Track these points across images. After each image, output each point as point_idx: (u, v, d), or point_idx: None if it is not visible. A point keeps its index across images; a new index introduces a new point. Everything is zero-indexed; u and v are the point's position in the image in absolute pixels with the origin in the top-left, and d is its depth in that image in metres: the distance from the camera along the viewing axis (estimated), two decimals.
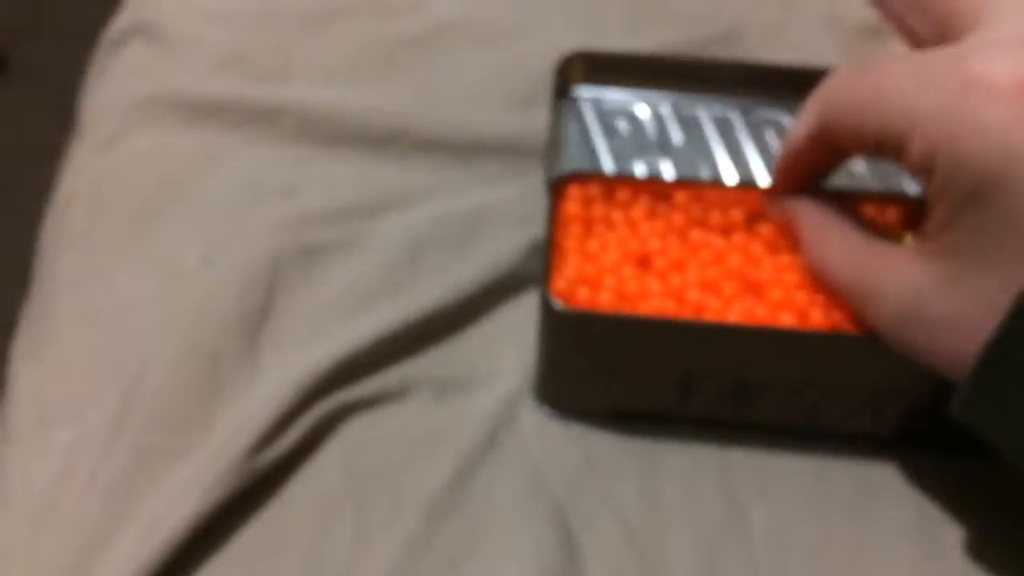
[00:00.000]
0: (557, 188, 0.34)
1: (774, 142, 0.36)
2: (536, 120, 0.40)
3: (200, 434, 0.33)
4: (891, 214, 0.33)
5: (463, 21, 0.46)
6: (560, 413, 0.34)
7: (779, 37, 0.45)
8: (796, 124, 0.30)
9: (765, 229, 0.33)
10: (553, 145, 0.36)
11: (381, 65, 0.44)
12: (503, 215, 0.39)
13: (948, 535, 0.32)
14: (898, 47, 0.32)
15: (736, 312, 0.30)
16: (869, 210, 0.33)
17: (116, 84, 0.45)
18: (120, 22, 0.48)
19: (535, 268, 0.36)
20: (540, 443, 0.33)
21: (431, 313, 0.35)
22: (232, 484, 0.31)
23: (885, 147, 0.27)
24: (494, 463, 0.33)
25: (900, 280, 0.28)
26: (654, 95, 0.38)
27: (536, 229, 0.36)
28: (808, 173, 0.32)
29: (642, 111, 0.37)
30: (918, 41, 0.30)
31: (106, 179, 0.41)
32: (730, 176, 0.34)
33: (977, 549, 0.31)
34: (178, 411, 0.33)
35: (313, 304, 0.36)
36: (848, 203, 0.32)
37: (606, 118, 0.37)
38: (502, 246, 0.37)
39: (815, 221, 0.31)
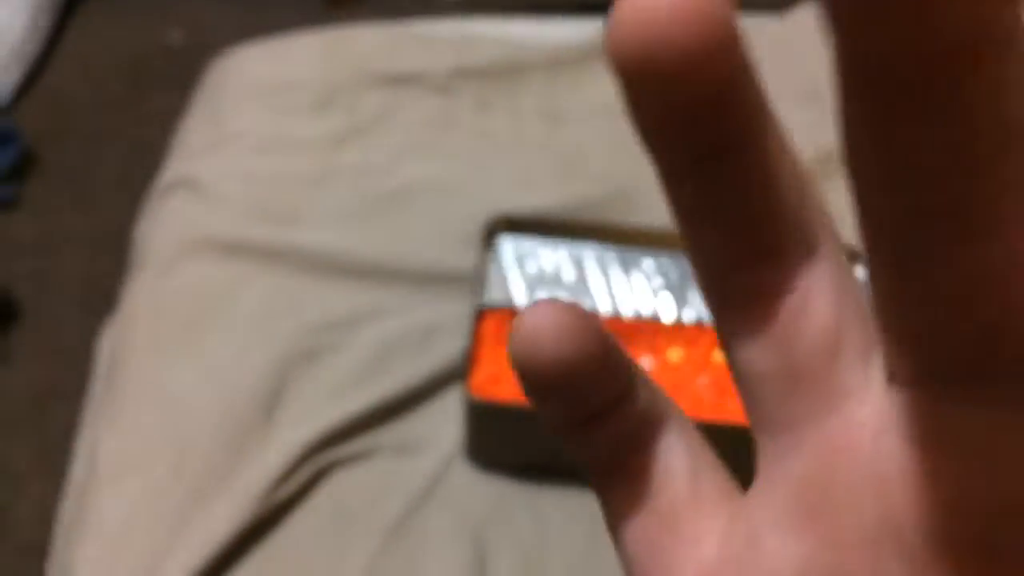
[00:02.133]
0: (477, 315, 0.50)
1: (638, 280, 0.52)
2: (475, 257, 0.56)
3: (231, 480, 0.48)
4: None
5: (425, 180, 0.62)
6: (481, 467, 0.49)
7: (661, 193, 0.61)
8: None
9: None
10: (478, 279, 0.52)
11: (363, 214, 0.60)
12: (449, 327, 0.54)
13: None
14: None
15: None
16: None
17: (166, 227, 0.61)
18: (167, 176, 0.64)
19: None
20: (465, 489, 0.48)
21: (393, 399, 0.51)
22: (255, 515, 0.46)
23: None
24: (432, 504, 0.48)
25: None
26: (554, 242, 0.54)
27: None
28: None
29: (545, 255, 0.53)
30: None
31: (161, 301, 0.57)
32: (604, 305, 0.50)
33: None
34: (216, 465, 0.48)
35: (311, 391, 0.52)
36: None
37: (519, 260, 0.53)
38: (446, 350, 0.53)
39: None
